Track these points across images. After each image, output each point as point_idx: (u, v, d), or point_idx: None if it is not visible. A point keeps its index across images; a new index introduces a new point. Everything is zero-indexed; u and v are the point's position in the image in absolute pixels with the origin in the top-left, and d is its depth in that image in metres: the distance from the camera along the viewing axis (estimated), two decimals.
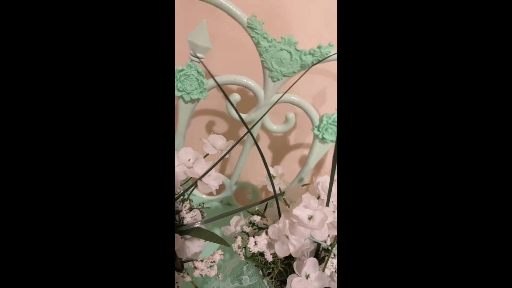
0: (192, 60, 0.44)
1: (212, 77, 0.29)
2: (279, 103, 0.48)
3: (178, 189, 0.35)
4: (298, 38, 0.43)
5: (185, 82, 0.44)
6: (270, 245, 0.33)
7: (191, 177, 0.36)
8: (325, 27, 0.51)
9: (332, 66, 0.48)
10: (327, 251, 0.33)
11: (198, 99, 0.47)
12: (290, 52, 0.42)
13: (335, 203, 0.38)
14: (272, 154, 0.68)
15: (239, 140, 0.32)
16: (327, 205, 0.32)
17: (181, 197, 0.34)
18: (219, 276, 0.32)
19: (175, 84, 0.44)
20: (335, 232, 0.33)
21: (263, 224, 0.36)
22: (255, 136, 0.52)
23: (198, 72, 0.43)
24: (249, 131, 0.30)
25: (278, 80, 0.44)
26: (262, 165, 0.31)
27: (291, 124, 0.49)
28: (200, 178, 0.33)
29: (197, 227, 0.32)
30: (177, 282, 0.31)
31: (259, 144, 0.66)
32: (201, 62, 0.39)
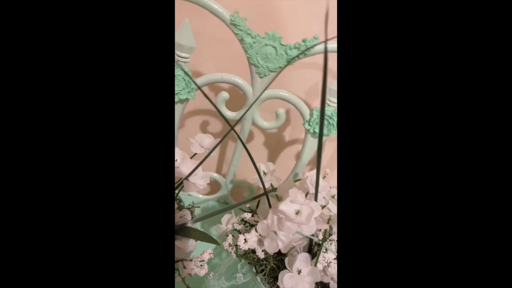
0: (177, 61, 0.43)
1: (191, 79, 0.29)
2: (268, 99, 0.48)
3: None
4: (288, 34, 0.43)
5: None
6: (260, 242, 0.32)
7: (180, 178, 0.36)
8: (314, 21, 0.50)
9: (320, 59, 0.47)
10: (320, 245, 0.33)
11: (186, 99, 0.47)
12: (275, 47, 0.41)
13: (327, 197, 0.37)
14: (268, 151, 0.67)
15: (223, 139, 0.32)
16: (316, 199, 0.32)
17: None
18: (210, 275, 0.32)
19: None
20: (325, 226, 0.33)
21: (254, 221, 0.36)
22: (246, 133, 0.51)
23: (185, 72, 0.43)
24: (232, 128, 0.30)
25: (265, 76, 0.44)
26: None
27: (282, 119, 0.49)
28: (186, 178, 0.33)
29: (186, 227, 0.32)
30: None
31: (254, 141, 0.66)
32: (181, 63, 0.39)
